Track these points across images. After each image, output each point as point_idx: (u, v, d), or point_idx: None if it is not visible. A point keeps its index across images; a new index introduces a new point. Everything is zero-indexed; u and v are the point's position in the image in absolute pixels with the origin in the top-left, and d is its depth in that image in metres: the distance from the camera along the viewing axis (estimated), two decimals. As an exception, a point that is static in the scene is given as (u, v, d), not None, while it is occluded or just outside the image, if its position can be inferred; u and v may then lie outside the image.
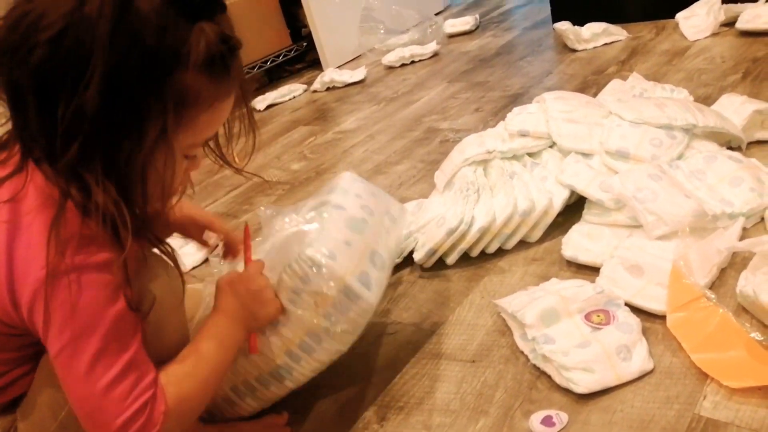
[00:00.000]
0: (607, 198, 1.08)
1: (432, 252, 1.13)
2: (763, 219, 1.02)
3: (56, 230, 0.61)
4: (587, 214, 1.11)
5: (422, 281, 1.13)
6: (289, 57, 2.76)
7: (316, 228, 0.83)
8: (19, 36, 0.59)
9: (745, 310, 0.86)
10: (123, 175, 0.63)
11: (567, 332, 0.86)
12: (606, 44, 2.04)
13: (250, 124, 0.76)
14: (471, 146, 1.26)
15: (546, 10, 2.42)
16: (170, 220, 0.89)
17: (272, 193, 1.66)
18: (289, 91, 2.48)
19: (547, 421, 0.78)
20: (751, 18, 1.76)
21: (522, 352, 0.90)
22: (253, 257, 0.87)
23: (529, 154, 1.25)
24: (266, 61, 2.66)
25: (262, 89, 2.65)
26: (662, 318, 0.88)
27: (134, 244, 0.64)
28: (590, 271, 1.01)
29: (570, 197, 1.15)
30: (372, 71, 2.50)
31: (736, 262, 0.95)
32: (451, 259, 1.13)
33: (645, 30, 2.06)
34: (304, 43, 2.77)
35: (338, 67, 2.62)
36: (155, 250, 0.73)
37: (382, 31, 2.70)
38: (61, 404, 0.69)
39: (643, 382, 0.80)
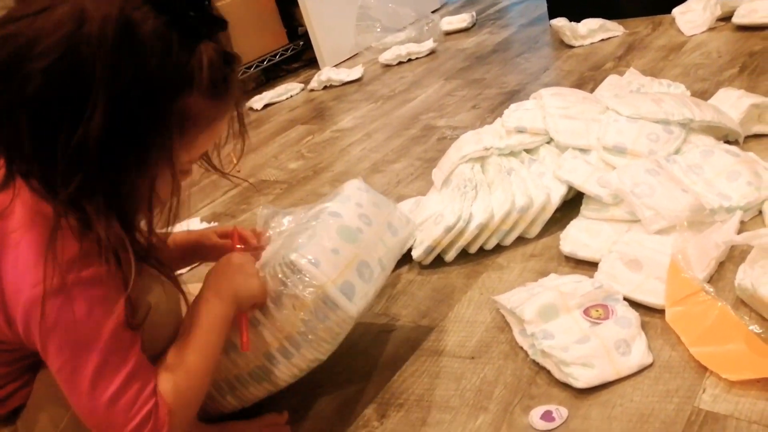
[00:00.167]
0: (605, 193, 1.08)
1: (430, 249, 1.13)
2: (760, 212, 1.02)
3: (52, 249, 0.60)
4: (585, 209, 1.11)
5: (421, 278, 1.12)
6: (285, 56, 2.75)
7: (307, 233, 0.82)
8: (8, 61, 0.56)
9: (743, 303, 0.86)
10: (126, 205, 0.62)
11: (566, 327, 0.86)
12: (603, 40, 2.04)
13: (241, 129, 0.74)
14: (468, 143, 1.26)
15: (542, 7, 2.41)
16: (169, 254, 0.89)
17: (270, 192, 1.66)
18: (286, 90, 2.48)
19: (547, 417, 0.78)
20: (747, 12, 1.76)
21: (521, 348, 0.90)
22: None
23: (527, 151, 1.25)
24: (263, 61, 2.65)
25: (259, 89, 2.65)
26: (661, 312, 0.88)
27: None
28: (589, 266, 1.01)
29: (568, 193, 1.15)
30: (369, 69, 2.49)
31: (734, 256, 0.95)
32: (449, 256, 1.13)
33: (641, 25, 2.06)
34: (301, 42, 2.77)
35: (335, 65, 2.62)
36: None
37: (378, 30, 2.69)
38: (62, 414, 0.70)
39: (643, 376, 0.80)
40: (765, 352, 0.77)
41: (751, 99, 1.23)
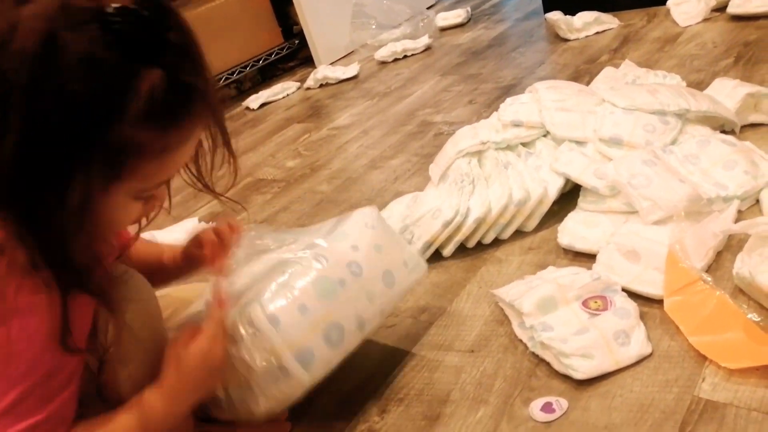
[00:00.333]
0: (602, 185, 1.08)
1: (428, 244, 1.13)
2: (757, 201, 1.02)
3: None
4: (582, 201, 1.12)
5: (419, 274, 1.13)
6: (281, 55, 2.75)
7: (281, 279, 0.75)
8: None
9: (741, 291, 0.86)
10: (44, 231, 0.57)
11: (565, 319, 0.86)
12: (598, 33, 2.04)
13: (230, 156, 0.70)
14: (465, 138, 1.26)
15: (537, 1, 2.41)
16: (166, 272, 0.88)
17: (267, 191, 1.66)
18: (283, 89, 2.48)
19: (547, 408, 0.78)
20: (742, 2, 1.76)
21: (520, 341, 0.90)
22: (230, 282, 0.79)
23: (523, 144, 1.25)
24: (259, 60, 2.65)
25: (255, 88, 2.65)
26: (659, 302, 0.88)
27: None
28: (587, 258, 1.01)
29: (565, 185, 1.15)
30: (365, 67, 2.49)
31: (731, 245, 0.95)
32: (447, 251, 1.13)
33: (636, 17, 2.05)
34: (296, 41, 2.77)
35: (331, 63, 2.62)
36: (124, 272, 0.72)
37: (373, 27, 2.69)
38: None
39: (642, 366, 0.80)
40: (763, 339, 0.77)
41: (746, 88, 1.23)
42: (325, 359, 0.75)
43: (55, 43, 0.52)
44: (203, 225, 1.49)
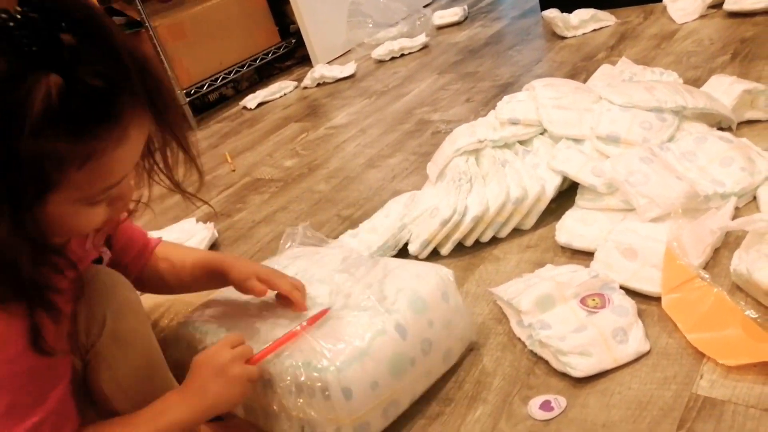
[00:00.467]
0: (600, 182, 1.08)
1: (426, 243, 1.13)
2: (754, 198, 1.02)
3: None
4: (580, 199, 1.12)
5: (418, 272, 1.12)
6: (278, 54, 2.75)
7: (361, 345, 0.74)
8: None
9: (739, 288, 0.86)
10: None
11: (563, 317, 0.87)
12: (594, 30, 2.04)
13: (188, 156, 0.68)
14: (462, 136, 1.26)
15: (534, -1, 2.42)
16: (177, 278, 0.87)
17: (266, 191, 1.66)
18: (280, 88, 2.48)
19: (546, 406, 0.78)
20: (737, -1, 1.76)
21: (519, 339, 0.90)
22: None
23: (521, 142, 1.25)
24: (255, 59, 2.65)
25: (252, 87, 2.65)
26: (657, 300, 0.88)
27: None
28: (585, 256, 1.01)
29: (562, 183, 1.15)
30: (362, 66, 2.49)
31: (729, 242, 0.95)
32: (445, 250, 1.13)
33: (633, 14, 2.05)
34: (293, 40, 2.76)
35: (328, 62, 2.62)
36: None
37: (370, 25, 2.69)
38: None
39: (640, 363, 0.81)
40: (761, 336, 0.77)
41: (743, 85, 1.23)
42: (378, 429, 0.78)
43: None
44: (201, 225, 1.49)
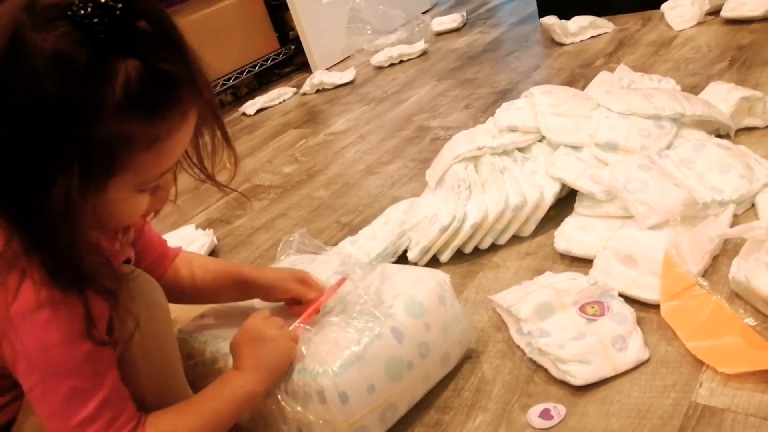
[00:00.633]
0: (598, 190, 1.08)
1: (426, 250, 1.13)
2: (753, 205, 1.02)
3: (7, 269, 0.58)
4: (579, 206, 1.12)
5: (417, 280, 1.12)
6: (277, 61, 2.75)
7: (358, 350, 0.75)
8: None
9: (738, 296, 0.86)
10: (38, 234, 0.57)
11: (562, 325, 0.87)
12: (593, 37, 2.04)
13: (228, 145, 0.70)
14: (461, 143, 1.26)
15: (532, 5, 2.42)
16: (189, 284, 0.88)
17: (265, 197, 1.66)
18: (279, 94, 2.48)
19: (545, 415, 0.78)
20: (735, 6, 1.77)
21: (518, 347, 0.90)
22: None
23: (519, 149, 1.26)
24: (255, 66, 2.65)
25: (251, 93, 2.65)
26: (656, 307, 0.88)
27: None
28: (584, 263, 1.01)
29: (561, 190, 1.15)
30: (361, 72, 2.50)
31: (727, 249, 0.95)
32: (444, 257, 1.13)
33: (631, 21, 2.06)
34: (292, 47, 2.77)
35: (327, 69, 2.62)
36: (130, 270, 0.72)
37: (369, 32, 2.70)
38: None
39: (639, 371, 0.80)
40: (760, 344, 0.77)
41: (741, 92, 1.24)
42: None
43: (23, 45, 0.52)
44: (200, 232, 1.49)
